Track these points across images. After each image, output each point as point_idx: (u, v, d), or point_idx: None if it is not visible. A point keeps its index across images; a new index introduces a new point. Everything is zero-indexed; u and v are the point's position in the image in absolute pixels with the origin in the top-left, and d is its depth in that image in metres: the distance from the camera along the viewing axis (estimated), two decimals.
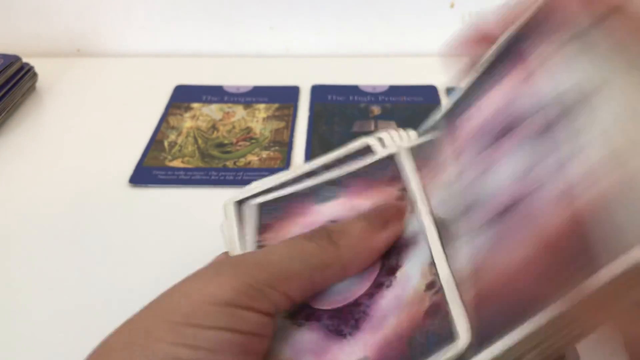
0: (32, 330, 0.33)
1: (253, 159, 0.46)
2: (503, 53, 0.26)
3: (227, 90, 0.55)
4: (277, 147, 0.47)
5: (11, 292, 0.35)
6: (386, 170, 0.27)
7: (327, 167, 0.29)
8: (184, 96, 0.54)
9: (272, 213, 0.27)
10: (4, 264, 0.37)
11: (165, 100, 0.53)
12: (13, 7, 0.60)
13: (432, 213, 0.24)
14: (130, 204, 0.42)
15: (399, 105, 0.52)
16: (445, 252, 0.22)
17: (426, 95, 0.53)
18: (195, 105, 0.53)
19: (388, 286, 0.22)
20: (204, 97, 0.54)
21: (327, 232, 0.23)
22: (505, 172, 0.21)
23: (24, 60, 0.53)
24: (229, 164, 0.45)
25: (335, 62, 0.60)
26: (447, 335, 0.19)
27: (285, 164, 0.45)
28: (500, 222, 0.20)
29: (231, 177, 0.44)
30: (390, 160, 0.27)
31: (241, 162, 0.45)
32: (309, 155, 0.46)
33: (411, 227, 0.24)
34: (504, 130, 0.23)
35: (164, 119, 0.51)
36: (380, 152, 0.28)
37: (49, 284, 0.36)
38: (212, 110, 0.52)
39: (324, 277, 0.22)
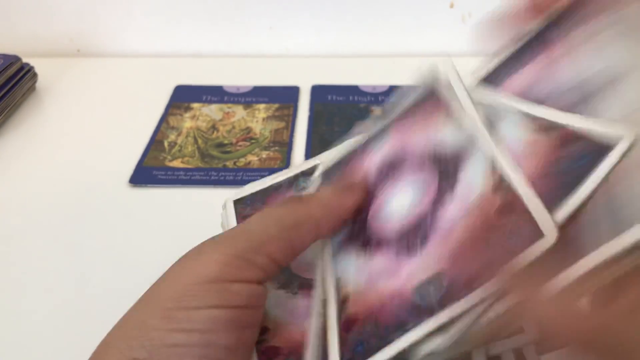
0: (31, 330, 0.33)
1: (253, 159, 0.46)
2: (533, 38, 0.26)
3: (227, 91, 0.55)
4: (277, 147, 0.47)
5: (11, 292, 0.35)
6: (427, 100, 0.27)
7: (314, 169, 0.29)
8: (184, 96, 0.54)
9: (249, 205, 0.28)
10: (4, 264, 0.37)
11: (165, 101, 0.53)
12: (13, 7, 0.60)
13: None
14: (130, 204, 0.42)
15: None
16: (502, 148, 0.22)
17: None
18: (195, 105, 0.53)
19: (450, 198, 0.22)
20: (204, 97, 0.54)
21: (297, 197, 0.25)
22: None
23: (24, 60, 0.53)
24: (229, 164, 0.45)
25: (335, 62, 0.60)
26: (531, 231, 0.18)
27: (285, 164, 0.45)
28: None
29: (231, 177, 0.44)
30: (431, 94, 0.27)
31: (241, 162, 0.45)
32: (309, 155, 0.46)
33: (462, 133, 0.24)
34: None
35: (164, 119, 0.51)
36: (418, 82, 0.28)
37: (49, 283, 0.36)
38: (212, 111, 0.52)
39: (300, 235, 0.23)
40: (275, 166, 0.45)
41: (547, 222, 0.19)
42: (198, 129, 0.49)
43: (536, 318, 0.19)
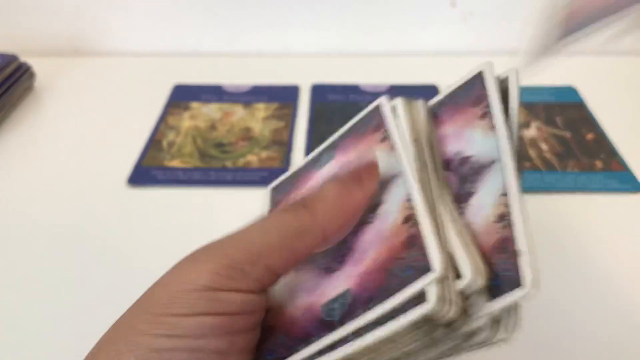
0: (31, 330, 0.33)
1: (252, 158, 0.45)
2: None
3: (226, 90, 0.54)
4: (276, 147, 0.47)
5: (10, 292, 0.35)
6: (370, 121, 0.27)
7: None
8: (183, 95, 0.54)
9: (281, 192, 0.29)
10: (3, 264, 0.37)
11: (164, 100, 0.53)
12: (11, 6, 0.59)
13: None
14: (129, 204, 0.41)
15: None
16: (421, 184, 0.22)
17: (426, 95, 0.52)
18: (194, 104, 0.52)
19: (370, 222, 0.23)
20: (203, 97, 0.53)
21: (301, 201, 0.22)
22: None
23: (22, 59, 0.53)
24: (228, 163, 0.45)
25: (336, 61, 0.59)
26: (423, 265, 0.19)
27: (285, 163, 0.45)
28: None
29: (230, 177, 0.43)
30: (375, 111, 0.27)
31: (240, 162, 0.45)
32: None
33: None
34: None
35: (162, 118, 0.50)
36: (366, 108, 0.28)
37: (48, 283, 0.35)
38: (211, 110, 0.52)
39: (304, 243, 0.21)
40: (275, 166, 0.44)
41: (436, 257, 0.19)
42: (197, 128, 0.49)
43: None
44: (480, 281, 0.19)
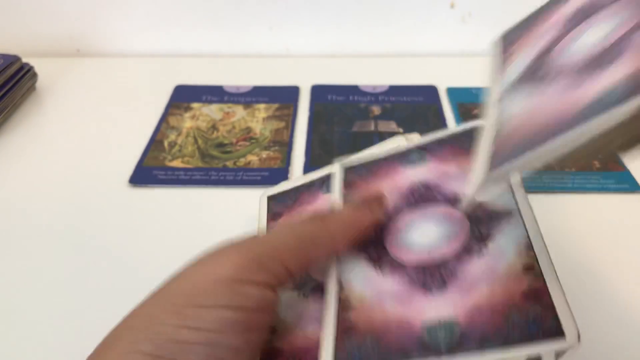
0: (31, 330, 0.33)
1: (253, 159, 0.46)
2: None
3: (227, 90, 0.55)
4: (277, 147, 0.47)
5: (11, 292, 0.35)
6: (473, 139, 0.27)
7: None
8: (184, 96, 0.54)
9: (281, 202, 0.29)
10: (4, 264, 0.37)
11: (165, 100, 0.53)
12: (13, 7, 0.60)
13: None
14: (130, 204, 0.42)
15: (399, 105, 0.52)
16: (541, 235, 0.22)
17: (426, 95, 0.53)
18: (195, 105, 0.53)
19: (479, 253, 0.23)
20: (203, 97, 0.54)
21: (318, 214, 0.25)
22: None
23: (24, 60, 0.53)
24: (229, 164, 0.45)
25: (335, 62, 0.60)
26: (552, 327, 0.19)
27: (285, 163, 0.45)
28: None
29: (231, 177, 0.44)
30: (476, 132, 0.28)
31: (241, 162, 0.45)
32: (309, 155, 0.46)
33: (503, 199, 0.25)
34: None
35: (163, 119, 0.51)
36: (465, 124, 0.29)
37: (49, 283, 0.36)
38: (212, 110, 0.52)
39: (316, 249, 0.23)
40: (276, 166, 0.45)
41: (570, 325, 0.19)
42: (198, 128, 0.49)
43: None
44: (576, 344, 0.19)
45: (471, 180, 0.21)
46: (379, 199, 0.27)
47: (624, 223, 0.39)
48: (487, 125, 0.23)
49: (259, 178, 0.43)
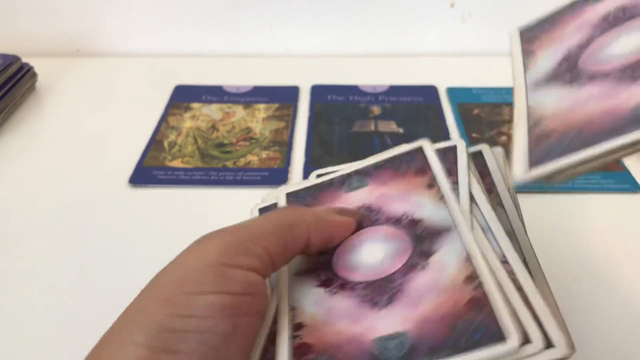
0: (31, 330, 0.33)
1: (253, 159, 0.46)
2: None
3: (227, 90, 0.55)
4: (277, 147, 0.47)
5: (11, 292, 0.35)
6: (413, 162, 0.29)
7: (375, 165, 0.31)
8: (184, 96, 0.54)
9: (302, 199, 0.30)
10: (4, 264, 0.37)
11: (165, 100, 0.53)
12: (13, 7, 0.60)
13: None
14: (130, 204, 0.42)
15: (399, 105, 0.52)
16: (478, 246, 0.23)
17: (426, 95, 0.53)
18: (195, 105, 0.53)
19: (422, 269, 0.24)
20: (203, 97, 0.54)
21: (294, 206, 0.28)
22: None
23: (24, 60, 0.53)
24: (229, 164, 0.45)
25: (335, 62, 0.60)
26: (495, 333, 0.20)
27: (285, 164, 0.45)
28: None
29: (231, 177, 0.44)
30: (417, 153, 0.29)
31: (241, 162, 0.45)
32: (309, 155, 0.46)
33: (442, 214, 0.26)
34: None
35: (163, 119, 0.51)
36: (402, 147, 0.30)
37: (49, 283, 0.36)
38: (212, 110, 0.52)
39: (292, 235, 0.24)
40: (275, 166, 0.45)
41: (512, 329, 0.20)
42: (198, 128, 0.49)
43: None
44: (569, 353, 0.19)
45: (515, 165, 0.21)
46: (351, 211, 0.28)
47: (625, 223, 0.39)
48: (519, 112, 0.24)
49: (258, 178, 0.43)
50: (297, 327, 0.23)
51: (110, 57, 0.61)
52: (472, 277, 0.22)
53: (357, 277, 0.25)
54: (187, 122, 0.50)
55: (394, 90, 0.54)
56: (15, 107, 0.52)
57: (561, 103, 0.23)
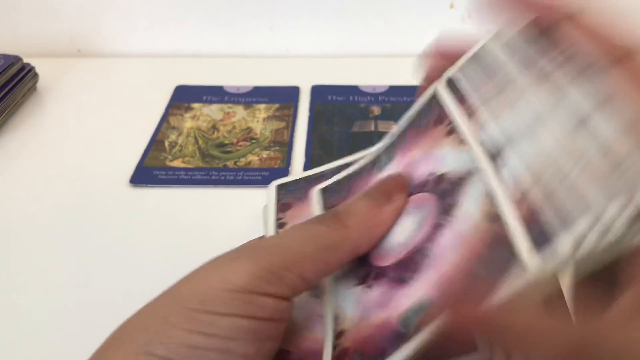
0: (31, 330, 0.33)
1: (253, 159, 0.46)
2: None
3: (227, 91, 0.55)
4: (277, 147, 0.47)
5: (11, 292, 0.35)
6: (431, 113, 0.26)
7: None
8: (185, 96, 0.54)
9: (291, 192, 0.28)
10: (4, 264, 0.37)
11: (166, 101, 0.53)
12: (14, 7, 0.60)
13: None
14: (131, 204, 0.42)
15: (399, 105, 0.52)
16: (500, 182, 0.21)
17: None
18: (195, 105, 0.53)
19: (448, 225, 0.22)
20: (204, 98, 0.54)
21: (335, 214, 0.23)
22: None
23: (25, 60, 0.53)
24: (230, 164, 0.45)
25: (335, 62, 0.60)
26: (511, 262, 0.18)
27: (286, 164, 0.45)
28: None
29: (231, 177, 0.44)
30: (432, 101, 0.27)
31: (241, 162, 0.45)
32: (309, 155, 0.46)
33: (462, 162, 0.23)
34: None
35: (164, 119, 0.51)
36: (420, 100, 0.27)
37: (49, 283, 0.36)
38: (213, 111, 0.52)
39: (336, 257, 0.22)
40: (276, 166, 0.45)
41: (529, 257, 0.18)
42: (198, 129, 0.49)
43: (499, 336, 0.17)
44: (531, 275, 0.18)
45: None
46: (397, 183, 0.25)
47: None
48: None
49: (259, 178, 0.44)
50: (339, 335, 0.22)
51: (111, 57, 0.61)
52: (493, 214, 0.20)
53: (388, 260, 0.23)
54: (187, 122, 0.50)
55: (394, 90, 0.54)
56: (16, 108, 0.52)
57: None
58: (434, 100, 0.26)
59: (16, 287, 0.36)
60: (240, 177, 0.44)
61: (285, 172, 0.44)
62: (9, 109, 0.50)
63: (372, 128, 0.49)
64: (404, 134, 0.27)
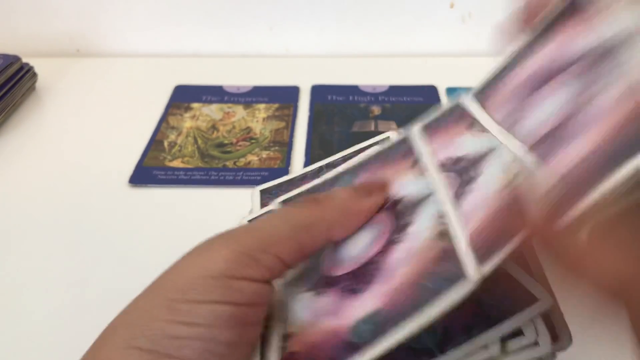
0: (31, 330, 0.33)
1: (253, 159, 0.46)
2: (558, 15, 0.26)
3: (227, 90, 0.55)
4: (277, 147, 0.47)
5: (11, 292, 0.35)
6: (399, 150, 0.28)
7: (345, 158, 0.30)
8: (184, 96, 0.54)
9: (275, 195, 0.29)
10: (4, 264, 0.37)
11: (165, 100, 0.53)
12: (13, 7, 0.60)
13: (441, 168, 0.25)
14: (130, 204, 0.42)
15: (399, 105, 0.52)
16: (454, 201, 0.22)
17: (426, 95, 0.53)
18: (195, 105, 0.53)
19: (399, 242, 0.23)
20: (204, 97, 0.54)
21: (313, 197, 0.24)
22: (544, 111, 0.22)
23: (24, 60, 0.53)
24: (229, 164, 0.45)
25: (335, 62, 0.60)
26: (456, 275, 0.19)
27: (285, 164, 0.45)
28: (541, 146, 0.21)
29: (231, 177, 0.44)
30: (403, 142, 0.28)
31: (241, 162, 0.45)
32: (309, 155, 0.46)
33: (421, 189, 0.24)
34: (543, 81, 0.23)
35: (163, 119, 0.51)
36: (393, 138, 0.29)
37: (49, 283, 0.36)
38: (212, 111, 0.52)
39: (310, 236, 0.22)
40: (276, 166, 0.45)
41: (471, 268, 0.19)
42: (198, 128, 0.49)
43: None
44: (473, 283, 0.19)
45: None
46: (380, 184, 0.26)
47: None
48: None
49: (258, 178, 0.43)
50: (285, 337, 0.22)
51: (110, 57, 0.61)
52: (444, 233, 0.21)
53: (342, 271, 0.24)
54: (187, 122, 0.50)
55: (394, 90, 0.54)
56: (15, 107, 0.52)
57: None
58: (405, 141, 0.28)
59: (15, 286, 0.36)
60: (239, 177, 0.44)
61: (285, 172, 0.44)
62: (7, 108, 0.50)
63: (372, 128, 0.49)
64: (369, 164, 0.29)
